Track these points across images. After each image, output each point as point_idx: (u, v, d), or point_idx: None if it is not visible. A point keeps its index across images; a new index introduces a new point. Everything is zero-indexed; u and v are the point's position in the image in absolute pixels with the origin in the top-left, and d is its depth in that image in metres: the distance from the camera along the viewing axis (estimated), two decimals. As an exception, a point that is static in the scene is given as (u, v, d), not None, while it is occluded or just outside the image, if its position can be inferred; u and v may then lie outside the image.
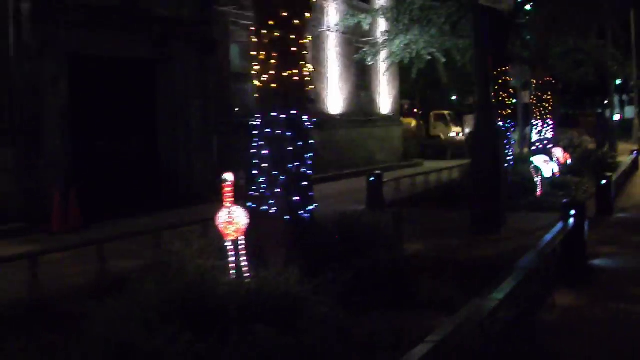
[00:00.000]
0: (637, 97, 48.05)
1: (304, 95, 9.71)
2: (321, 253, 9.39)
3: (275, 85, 9.40)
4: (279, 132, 9.31)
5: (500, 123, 19.19)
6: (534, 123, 25.18)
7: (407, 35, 26.35)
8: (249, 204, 9.60)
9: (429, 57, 27.45)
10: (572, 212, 10.92)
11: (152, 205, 20.35)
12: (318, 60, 30.21)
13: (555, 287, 9.67)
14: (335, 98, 31.12)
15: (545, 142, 24.72)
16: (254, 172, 9.61)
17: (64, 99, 19.25)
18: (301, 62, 9.54)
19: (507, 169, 19.23)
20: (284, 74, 9.38)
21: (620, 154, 33.20)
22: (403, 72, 31.46)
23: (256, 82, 9.59)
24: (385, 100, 35.71)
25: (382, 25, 28.94)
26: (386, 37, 26.99)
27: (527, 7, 24.62)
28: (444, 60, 27.75)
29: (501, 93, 19.23)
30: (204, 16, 23.86)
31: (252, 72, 9.63)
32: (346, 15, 27.51)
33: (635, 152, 29.57)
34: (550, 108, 25.13)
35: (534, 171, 19.03)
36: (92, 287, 10.10)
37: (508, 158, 19.35)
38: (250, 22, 10.69)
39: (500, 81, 19.25)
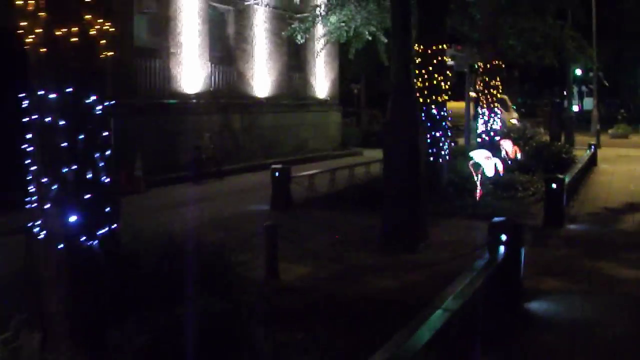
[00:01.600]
0: (596, 87, 45.35)
1: (91, 66, 6.34)
2: (117, 298, 6.20)
3: (45, 50, 6.13)
4: (50, 119, 6.04)
5: (435, 111, 16.17)
6: (480, 112, 22.12)
7: (343, 11, 23.37)
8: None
9: (369, 37, 24.53)
10: (503, 237, 7.82)
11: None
12: (242, 37, 26.86)
13: (469, 355, 6.52)
14: (262, 79, 27.75)
15: (492, 133, 21.70)
16: (28, 177, 6.35)
17: None
18: (85, 17, 6.23)
19: (442, 165, 16.24)
20: (57, 32, 6.09)
21: (577, 147, 30.38)
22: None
23: (27, 46, 6.30)
24: (322, 83, 32.39)
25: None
26: (318, 13, 23.99)
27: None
28: (385, 40, 24.67)
29: (436, 75, 16.11)
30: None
31: (19, 31, 6.33)
32: (274, -15, 24.28)
33: (593, 146, 26.70)
34: (498, 95, 22.06)
35: (473, 168, 15.96)
36: None
37: (444, 152, 16.28)
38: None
39: (435, 61, 16.14)
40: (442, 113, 16.16)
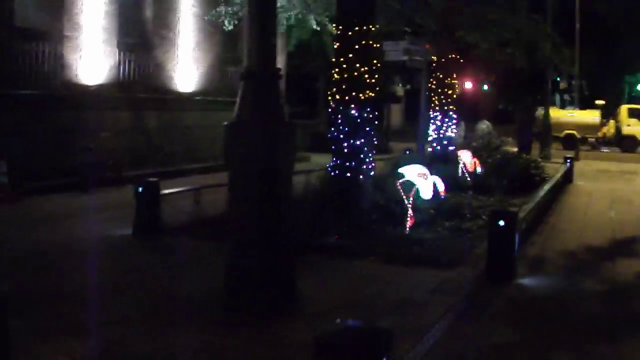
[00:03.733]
0: (578, 94, 41.79)
1: None
2: None
3: None
4: None
5: (354, 112, 12.32)
6: (431, 116, 18.34)
7: (280, -6, 19.52)
8: None
9: (317, 27, 20.70)
10: None
11: None
12: (163, 22, 22.92)
13: None
14: (187, 72, 23.82)
15: (445, 142, 17.95)
16: None
17: None
18: None
19: (362, 184, 12.40)
20: None
21: (554, 160, 26.73)
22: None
23: None
24: (265, 79, 28.37)
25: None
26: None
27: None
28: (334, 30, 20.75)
29: (358, 65, 12.28)
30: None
31: None
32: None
33: (569, 160, 22.97)
34: (454, 96, 18.29)
35: (403, 189, 12.06)
36: None
37: (367, 166, 12.42)
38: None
39: (358, 46, 12.32)
40: (365, 114, 12.30)
